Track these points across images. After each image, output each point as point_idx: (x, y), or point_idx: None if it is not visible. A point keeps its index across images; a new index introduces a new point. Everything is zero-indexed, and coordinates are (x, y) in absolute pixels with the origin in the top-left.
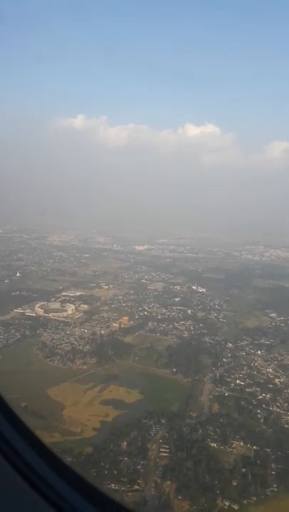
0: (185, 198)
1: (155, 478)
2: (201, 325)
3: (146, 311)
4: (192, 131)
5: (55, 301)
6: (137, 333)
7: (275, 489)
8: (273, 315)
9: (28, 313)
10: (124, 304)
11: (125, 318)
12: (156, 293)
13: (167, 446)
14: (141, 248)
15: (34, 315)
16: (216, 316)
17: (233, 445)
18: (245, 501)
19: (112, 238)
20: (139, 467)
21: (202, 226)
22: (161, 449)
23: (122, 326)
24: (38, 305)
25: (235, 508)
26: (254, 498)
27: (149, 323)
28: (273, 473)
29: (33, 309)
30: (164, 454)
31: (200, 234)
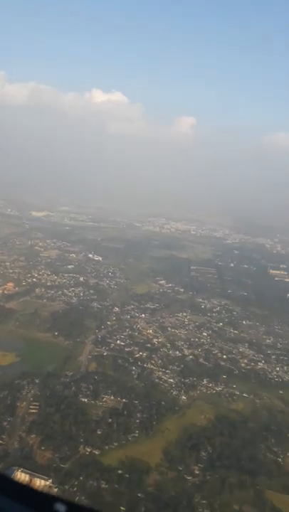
0: (92, 166)
1: (20, 433)
2: (91, 291)
3: (36, 277)
4: (99, 97)
5: None
6: (21, 299)
7: (137, 435)
8: (162, 282)
9: None
10: (11, 271)
11: (10, 284)
12: (49, 260)
13: (37, 404)
14: (39, 214)
15: None
16: (107, 283)
17: (104, 399)
18: (106, 447)
19: (7, 202)
20: (5, 423)
21: (108, 195)
22: (30, 406)
23: (6, 292)
24: None
25: (96, 453)
26: (116, 444)
27: (37, 290)
28: (137, 421)
29: None
30: (33, 411)
31: (105, 203)
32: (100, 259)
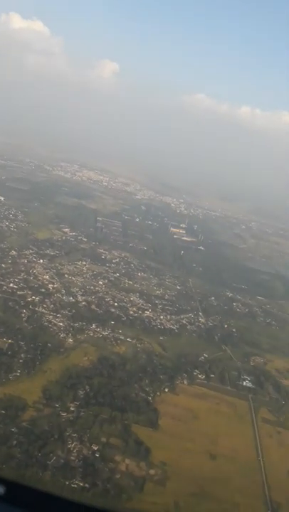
0: (4, 96)
1: None
2: None
3: None
4: (18, 23)
5: None
6: None
7: (18, 374)
8: (66, 230)
9: None
10: None
11: None
12: None
13: None
14: None
15: None
16: (7, 225)
17: None
18: None
19: None
20: None
21: (19, 132)
22: None
23: None
24: None
25: None
26: None
27: None
28: (21, 361)
29: None
30: None
31: (15, 140)
32: (2, 199)
